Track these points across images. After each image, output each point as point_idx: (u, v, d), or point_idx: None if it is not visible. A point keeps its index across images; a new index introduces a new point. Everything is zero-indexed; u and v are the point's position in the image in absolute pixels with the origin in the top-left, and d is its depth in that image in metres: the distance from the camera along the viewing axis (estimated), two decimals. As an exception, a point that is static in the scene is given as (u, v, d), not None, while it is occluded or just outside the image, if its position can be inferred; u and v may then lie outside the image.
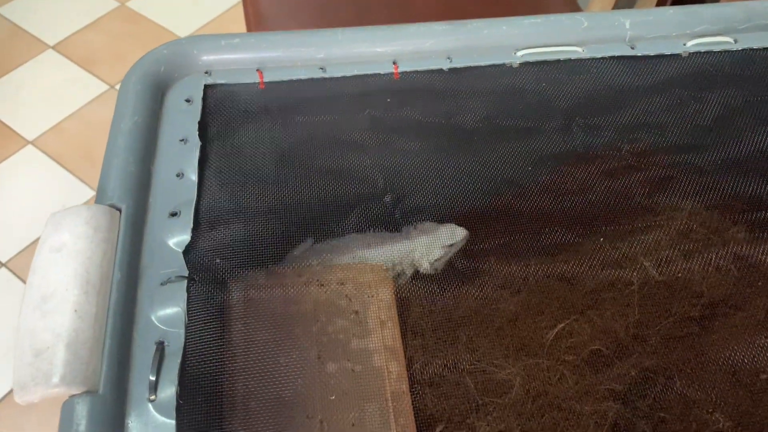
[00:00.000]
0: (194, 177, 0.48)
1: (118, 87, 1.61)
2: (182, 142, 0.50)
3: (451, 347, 0.62)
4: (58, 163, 1.46)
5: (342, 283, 0.63)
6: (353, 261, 0.59)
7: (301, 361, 0.56)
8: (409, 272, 0.60)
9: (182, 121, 0.51)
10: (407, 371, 0.58)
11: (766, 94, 0.56)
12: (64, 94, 1.59)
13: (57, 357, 0.37)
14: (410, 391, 0.56)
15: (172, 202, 0.46)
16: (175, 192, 0.47)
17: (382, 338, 0.59)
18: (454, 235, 0.57)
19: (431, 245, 0.58)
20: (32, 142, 1.49)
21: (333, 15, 0.99)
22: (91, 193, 1.41)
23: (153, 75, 0.52)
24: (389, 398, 0.56)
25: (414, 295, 0.63)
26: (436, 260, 0.58)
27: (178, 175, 0.48)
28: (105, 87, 1.60)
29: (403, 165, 0.53)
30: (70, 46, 1.68)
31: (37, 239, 1.33)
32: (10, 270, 1.29)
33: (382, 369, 0.58)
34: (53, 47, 1.68)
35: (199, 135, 0.50)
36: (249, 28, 1.01)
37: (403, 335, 0.60)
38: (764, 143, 0.57)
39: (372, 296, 0.62)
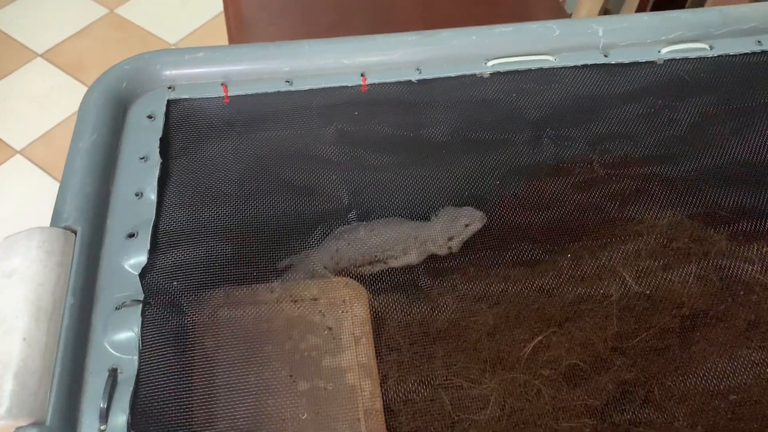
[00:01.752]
0: (153, 196, 0.47)
1: (106, 95, 1.60)
2: (142, 160, 0.49)
3: (427, 362, 0.60)
4: (46, 172, 1.45)
5: (316, 299, 0.62)
6: (375, 237, 0.58)
7: (272, 380, 0.55)
8: (426, 252, 0.60)
9: (143, 138, 0.50)
10: (381, 388, 0.57)
11: (742, 102, 0.55)
12: (53, 102, 1.58)
13: (4, 388, 0.36)
14: (384, 409, 0.55)
15: (130, 223, 0.45)
16: (134, 212, 0.46)
17: (356, 355, 0.58)
18: (471, 216, 0.57)
19: (447, 225, 0.57)
20: (20, 152, 1.48)
21: (314, 21, 0.98)
22: (80, 203, 1.40)
23: (114, 91, 0.51)
24: (362, 417, 0.55)
25: (389, 309, 0.62)
26: (450, 239, 0.59)
27: (137, 195, 0.47)
28: (94, 95, 1.59)
29: (371, 180, 0.52)
30: (59, 54, 1.68)
31: (25, 250, 1.33)
32: (-2, 281, 1.28)
33: (355, 387, 0.57)
34: (42, 55, 1.67)
35: (160, 152, 0.49)
36: (230, 35, 1.00)
37: (378, 351, 0.59)
38: (742, 151, 0.56)
39: (346, 312, 0.61)
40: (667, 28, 0.56)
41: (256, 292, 0.59)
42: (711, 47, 0.56)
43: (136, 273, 0.43)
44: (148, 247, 0.44)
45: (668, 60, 0.55)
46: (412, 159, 0.53)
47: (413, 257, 0.63)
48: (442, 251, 0.62)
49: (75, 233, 0.43)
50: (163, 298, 0.42)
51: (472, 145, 0.54)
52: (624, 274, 0.64)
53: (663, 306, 0.62)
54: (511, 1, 0.98)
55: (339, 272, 0.62)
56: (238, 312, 0.55)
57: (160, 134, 0.50)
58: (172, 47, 1.67)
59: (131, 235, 0.45)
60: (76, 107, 1.49)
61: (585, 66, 0.55)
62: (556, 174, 0.61)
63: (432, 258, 0.63)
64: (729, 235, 0.65)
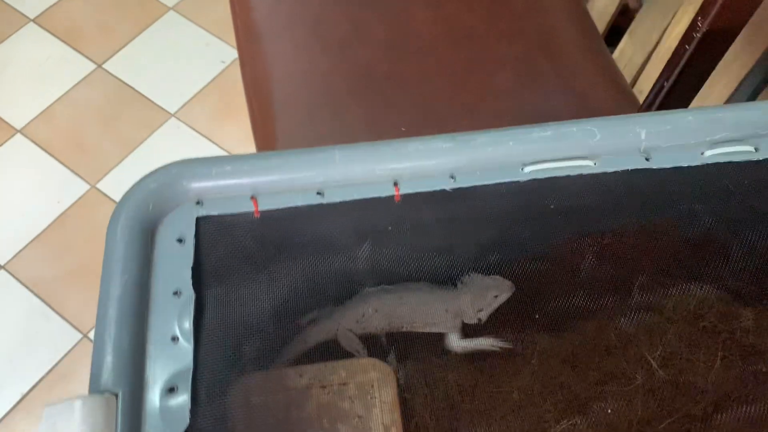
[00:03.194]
0: (190, 340, 0.46)
1: (105, 66, 1.54)
2: (176, 296, 0.48)
3: (454, 444, 0.62)
4: (48, 153, 1.42)
5: (344, 384, 0.63)
6: (402, 306, 0.59)
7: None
8: (456, 323, 0.60)
9: (175, 267, 0.49)
10: (411, 480, 0.58)
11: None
12: (50, 74, 1.53)
13: None
14: (414, 502, 0.57)
15: (169, 374, 0.45)
16: (171, 360, 0.46)
17: (386, 446, 0.60)
18: (499, 287, 0.58)
19: (476, 297, 0.58)
20: (21, 131, 1.45)
21: (327, 31, 0.93)
22: (85, 187, 1.38)
23: (141, 215, 0.49)
24: None
25: (417, 390, 0.63)
26: (480, 311, 0.60)
27: (173, 339, 0.46)
28: (92, 66, 1.54)
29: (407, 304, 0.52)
30: (53, 19, 1.60)
31: (36, 238, 1.32)
32: (9, 272, 1.28)
33: (386, 484, 0.58)
34: (34, 20, 1.60)
35: (192, 284, 0.48)
36: (239, 43, 0.96)
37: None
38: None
39: (375, 397, 0.62)
40: (711, 128, 0.54)
41: (297, 372, 0.60)
42: (756, 149, 0.54)
43: (180, 434, 0.43)
44: (189, 403, 0.44)
45: (711, 164, 0.54)
46: (449, 277, 0.52)
47: (442, 328, 0.63)
48: (472, 321, 0.62)
49: (116, 396, 0.43)
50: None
51: (511, 257, 0.53)
52: (648, 356, 0.64)
53: (687, 390, 0.62)
54: (535, 13, 0.93)
55: (364, 337, 0.63)
56: (278, 396, 0.55)
57: (191, 262, 0.49)
58: (171, 9, 1.60)
59: (171, 390, 0.45)
60: (74, 81, 1.44)
61: (626, 171, 0.53)
62: (585, 251, 0.61)
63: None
64: (756, 311, 0.65)
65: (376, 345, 0.61)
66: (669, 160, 0.54)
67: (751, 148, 0.54)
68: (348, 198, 0.52)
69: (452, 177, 0.53)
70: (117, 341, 0.44)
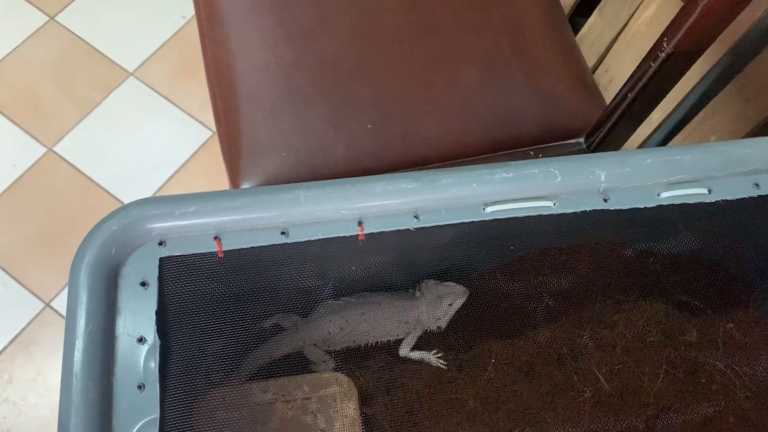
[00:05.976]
0: (156, 388, 0.47)
1: (58, 18, 1.47)
2: (141, 343, 0.48)
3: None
4: (3, 115, 1.37)
5: (307, 398, 0.65)
6: (365, 322, 0.60)
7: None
8: (417, 331, 0.62)
9: (139, 313, 0.49)
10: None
11: (739, 252, 0.56)
12: (-1, 27, 1.46)
13: None
14: None
15: (136, 423, 0.46)
16: (138, 409, 0.47)
17: (347, 459, 0.63)
18: (453, 293, 0.60)
19: (433, 307, 0.61)
20: (-30, 89, 1.39)
21: (292, 18, 0.91)
22: (42, 150, 1.35)
23: (104, 260, 0.49)
24: None
25: (377, 400, 0.65)
26: (438, 319, 0.62)
27: (139, 387, 0.47)
28: (44, 18, 1.47)
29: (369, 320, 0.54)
30: (-1, -35, 1.51)
31: (-9, 204, 1.29)
32: (-33, 240, 1.26)
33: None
34: (-22, -35, 1.51)
35: (157, 330, 0.49)
36: (200, 26, 0.93)
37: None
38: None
39: (337, 411, 0.65)
40: (668, 170, 0.55)
41: (261, 387, 0.62)
42: (710, 191, 0.56)
43: (148, 485, 0.45)
44: (158, 455, 0.45)
45: (666, 206, 0.55)
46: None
47: (404, 336, 0.65)
48: (433, 329, 0.64)
49: (84, 450, 0.44)
50: None
51: (473, 297, 0.55)
52: (596, 371, 0.68)
53: (631, 403, 0.66)
54: (503, 3, 0.91)
55: (330, 352, 0.64)
56: (242, 412, 0.57)
57: (155, 306, 0.49)
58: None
59: (139, 439, 0.46)
60: (25, 34, 1.38)
61: (584, 212, 0.55)
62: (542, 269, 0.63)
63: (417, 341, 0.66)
64: (699, 326, 0.69)
65: (339, 358, 0.63)
66: (626, 201, 0.55)
67: (704, 190, 0.56)
68: (312, 237, 0.52)
69: (416, 216, 0.54)
70: (84, 393, 0.45)
